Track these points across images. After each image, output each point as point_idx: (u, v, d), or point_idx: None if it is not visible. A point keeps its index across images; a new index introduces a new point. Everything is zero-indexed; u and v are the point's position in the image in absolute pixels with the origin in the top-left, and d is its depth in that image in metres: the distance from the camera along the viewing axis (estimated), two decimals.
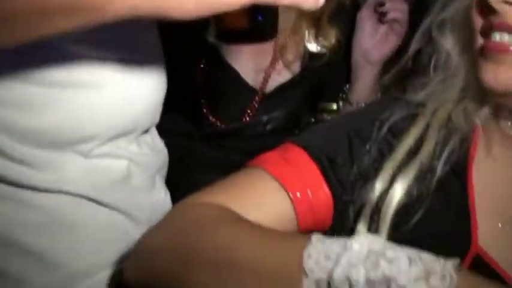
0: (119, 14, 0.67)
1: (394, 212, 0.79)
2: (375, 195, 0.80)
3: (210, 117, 1.34)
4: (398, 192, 0.79)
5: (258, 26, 0.78)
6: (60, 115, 0.82)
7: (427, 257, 0.60)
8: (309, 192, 0.79)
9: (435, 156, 0.81)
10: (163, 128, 1.23)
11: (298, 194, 0.78)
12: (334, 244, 0.62)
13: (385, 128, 0.82)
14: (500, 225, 0.80)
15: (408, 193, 0.80)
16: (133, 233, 0.88)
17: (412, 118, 0.83)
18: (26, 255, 0.84)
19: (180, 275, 0.70)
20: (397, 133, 0.82)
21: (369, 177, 0.81)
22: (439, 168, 0.80)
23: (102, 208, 0.87)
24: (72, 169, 0.85)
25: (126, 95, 0.87)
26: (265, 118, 1.35)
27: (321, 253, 0.62)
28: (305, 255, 0.62)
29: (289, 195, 0.78)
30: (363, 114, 0.88)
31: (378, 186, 0.80)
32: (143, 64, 0.89)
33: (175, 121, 1.33)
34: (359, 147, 0.82)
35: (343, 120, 0.88)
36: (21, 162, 0.82)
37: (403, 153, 0.81)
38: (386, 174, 0.80)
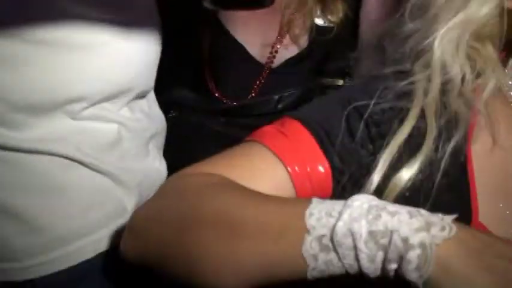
0: None
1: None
2: (372, 188, 0.78)
3: (216, 93, 1.33)
4: (400, 182, 0.78)
5: None
6: (48, 74, 0.82)
7: (425, 212, 0.62)
8: (307, 166, 0.79)
9: (439, 148, 0.78)
10: (173, 102, 1.23)
11: (296, 168, 0.78)
12: (335, 204, 0.65)
13: (381, 107, 0.80)
14: (501, 205, 0.80)
15: (411, 185, 0.78)
16: (122, 197, 0.89)
17: (405, 99, 0.81)
18: (8, 216, 0.85)
19: (178, 239, 0.71)
20: (391, 115, 0.80)
21: (366, 165, 0.80)
22: (444, 162, 0.78)
23: (88, 171, 0.87)
24: (57, 130, 0.84)
25: (117, 57, 0.86)
26: (276, 97, 1.33)
27: (322, 211, 0.64)
28: (306, 213, 0.64)
29: (287, 169, 0.78)
30: (360, 89, 0.86)
31: (375, 179, 0.78)
32: (136, 26, 0.89)
33: (185, 96, 1.33)
34: (355, 123, 0.81)
35: (341, 95, 0.87)
36: (2, 123, 0.82)
37: (401, 142, 0.78)
38: (383, 166, 0.78)
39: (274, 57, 1.34)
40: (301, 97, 1.33)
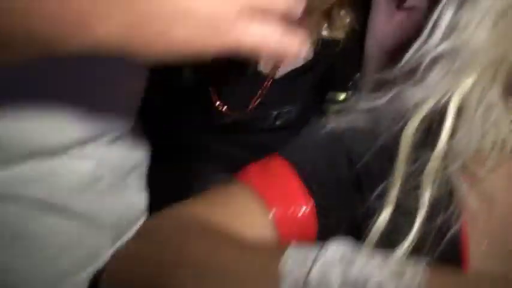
0: (80, 48, 0.64)
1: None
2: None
3: (217, 102, 1.32)
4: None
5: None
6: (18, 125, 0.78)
7: (397, 259, 0.65)
8: (291, 206, 0.79)
9: (436, 216, 0.75)
10: (174, 116, 1.22)
11: (279, 209, 0.78)
12: (309, 251, 0.65)
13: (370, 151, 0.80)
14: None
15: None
16: (98, 238, 0.86)
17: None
18: None
19: (154, 283, 0.71)
20: (381, 159, 0.79)
21: (350, 207, 0.79)
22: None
23: (60, 216, 0.83)
24: (31, 172, 0.80)
25: (94, 105, 0.83)
26: (274, 113, 1.33)
27: (297, 258, 0.65)
28: (282, 260, 0.65)
29: (269, 210, 0.78)
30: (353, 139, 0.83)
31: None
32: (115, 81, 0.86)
33: (186, 111, 1.32)
34: (342, 163, 0.80)
35: (331, 133, 0.84)
36: None
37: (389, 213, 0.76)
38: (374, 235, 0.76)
39: (277, 68, 1.33)
40: (299, 114, 1.33)
